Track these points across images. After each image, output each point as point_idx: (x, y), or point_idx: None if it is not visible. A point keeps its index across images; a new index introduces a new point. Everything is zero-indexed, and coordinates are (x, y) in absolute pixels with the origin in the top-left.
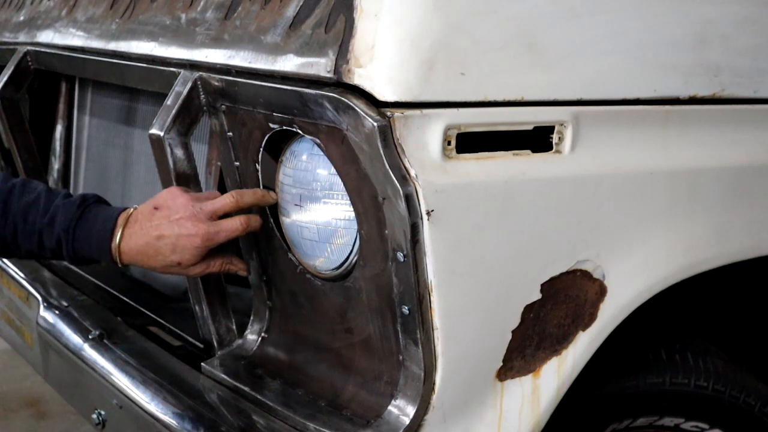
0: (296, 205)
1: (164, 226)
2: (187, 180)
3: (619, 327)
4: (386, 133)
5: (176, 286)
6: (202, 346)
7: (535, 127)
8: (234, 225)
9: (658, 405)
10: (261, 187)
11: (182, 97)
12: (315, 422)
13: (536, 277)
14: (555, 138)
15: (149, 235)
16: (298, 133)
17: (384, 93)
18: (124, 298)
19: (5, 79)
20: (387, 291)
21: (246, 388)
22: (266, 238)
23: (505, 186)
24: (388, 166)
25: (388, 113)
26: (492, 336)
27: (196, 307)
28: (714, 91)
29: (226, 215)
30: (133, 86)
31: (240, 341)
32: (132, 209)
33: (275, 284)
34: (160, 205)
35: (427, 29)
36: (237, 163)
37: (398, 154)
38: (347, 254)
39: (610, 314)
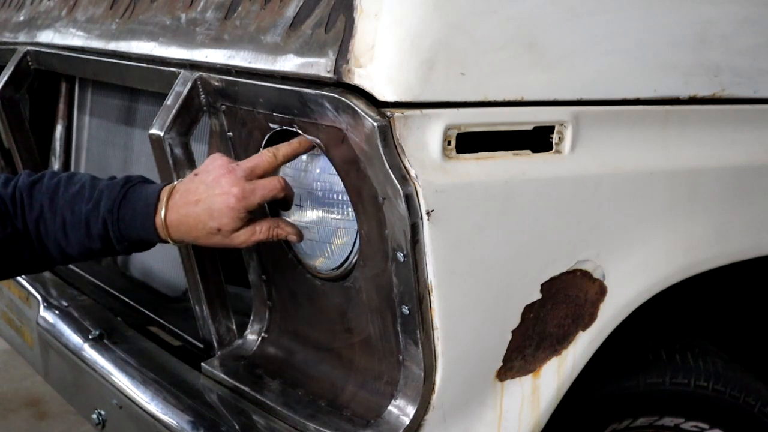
0: (296, 205)
1: (201, 189)
2: None
3: (619, 327)
4: (386, 133)
5: (176, 286)
6: (202, 346)
7: (535, 127)
8: (272, 183)
9: (658, 405)
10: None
11: (182, 97)
12: (315, 422)
13: (536, 277)
14: (555, 138)
15: (188, 201)
16: (298, 133)
17: (384, 93)
18: (124, 298)
19: (5, 79)
20: (387, 291)
21: (246, 388)
22: None
23: (505, 186)
24: (388, 166)
25: (388, 113)
26: (492, 336)
27: (196, 307)
28: (714, 91)
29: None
30: (133, 86)
31: (240, 341)
32: (177, 182)
33: (275, 284)
34: (199, 170)
35: (427, 29)
36: None
37: (398, 154)
38: (347, 254)
39: (610, 314)
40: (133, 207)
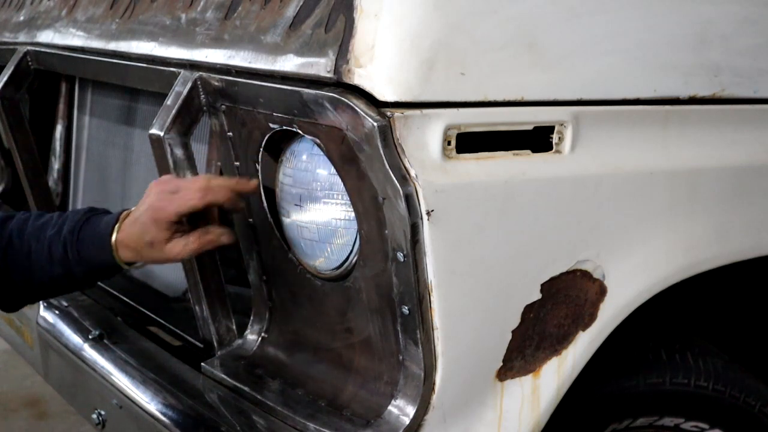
0: (296, 205)
1: (139, 207)
2: None
3: (619, 327)
4: (386, 133)
5: (176, 286)
6: (202, 346)
7: (535, 127)
8: (187, 195)
9: (658, 405)
10: (261, 187)
11: (182, 97)
12: (315, 422)
13: (536, 277)
14: (555, 138)
15: (131, 220)
16: (298, 133)
17: (384, 93)
18: (124, 298)
19: (5, 79)
20: (387, 291)
21: (246, 388)
22: (266, 238)
23: (505, 186)
24: (388, 166)
25: (388, 113)
26: (492, 336)
27: (196, 307)
28: (714, 91)
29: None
30: (133, 86)
31: (240, 341)
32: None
33: (275, 284)
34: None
35: (427, 29)
36: (237, 163)
37: (398, 154)
38: (347, 254)
39: (610, 314)
40: (93, 229)
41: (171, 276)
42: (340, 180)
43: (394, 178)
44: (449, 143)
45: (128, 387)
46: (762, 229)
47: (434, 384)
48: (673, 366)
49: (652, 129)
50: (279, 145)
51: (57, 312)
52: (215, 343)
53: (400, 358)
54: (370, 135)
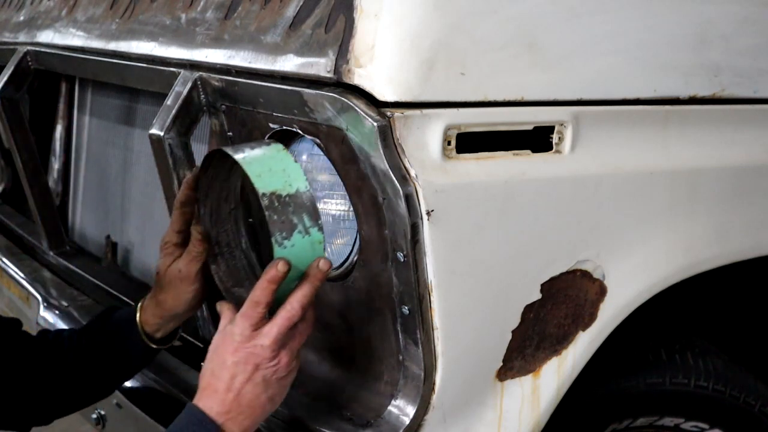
0: None
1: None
2: None
3: (619, 327)
4: (386, 133)
5: None
6: (202, 346)
7: (535, 127)
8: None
9: (658, 405)
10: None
11: (182, 97)
12: (315, 422)
13: (536, 277)
14: (555, 138)
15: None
16: (298, 133)
17: (384, 93)
18: (124, 298)
19: (5, 79)
20: (387, 291)
21: None
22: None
23: (505, 186)
24: (388, 166)
25: (388, 113)
26: (492, 336)
27: None
28: (714, 91)
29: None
30: (133, 86)
31: None
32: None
33: None
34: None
35: (427, 29)
36: None
37: (398, 154)
38: (347, 254)
39: (610, 314)
40: None
41: None
42: (340, 180)
43: (394, 178)
44: (449, 143)
45: (128, 387)
46: (762, 229)
47: (434, 384)
48: (673, 366)
49: (652, 129)
50: None
51: (57, 312)
52: None
53: (400, 358)
54: (370, 135)
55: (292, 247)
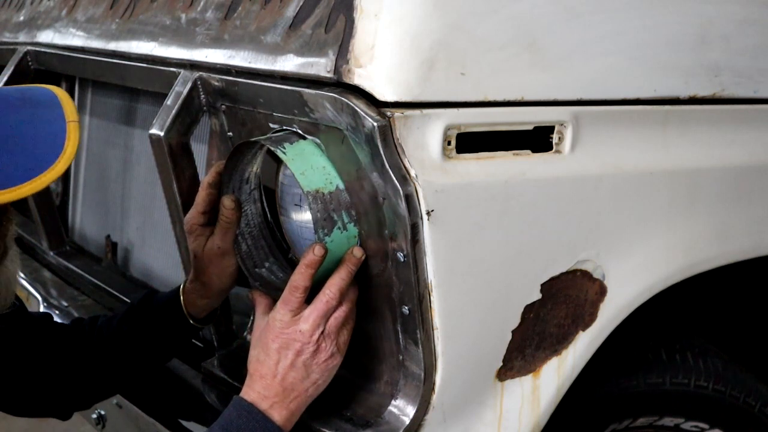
0: (296, 205)
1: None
2: (187, 180)
3: (619, 327)
4: (386, 133)
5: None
6: (202, 346)
7: (535, 127)
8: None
9: (658, 405)
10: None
11: (182, 97)
12: (315, 422)
13: (536, 277)
14: (555, 138)
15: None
16: (298, 133)
17: (384, 93)
18: (124, 298)
19: (5, 79)
20: (387, 291)
21: None
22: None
23: (505, 186)
24: (388, 166)
25: (388, 113)
26: (492, 336)
27: None
28: (714, 91)
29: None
30: (133, 86)
31: (240, 341)
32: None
33: None
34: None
35: (427, 29)
36: None
37: (398, 154)
38: None
39: (610, 314)
40: None
41: (171, 276)
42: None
43: (394, 178)
44: (449, 143)
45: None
46: (762, 229)
47: (434, 384)
48: (673, 366)
49: (652, 129)
50: None
51: (57, 312)
52: (215, 343)
53: (400, 358)
54: (370, 135)
55: (331, 242)
